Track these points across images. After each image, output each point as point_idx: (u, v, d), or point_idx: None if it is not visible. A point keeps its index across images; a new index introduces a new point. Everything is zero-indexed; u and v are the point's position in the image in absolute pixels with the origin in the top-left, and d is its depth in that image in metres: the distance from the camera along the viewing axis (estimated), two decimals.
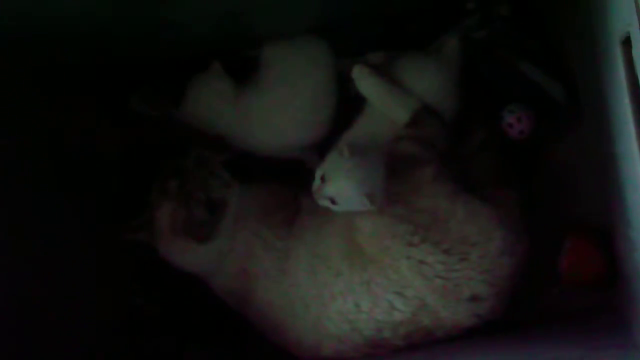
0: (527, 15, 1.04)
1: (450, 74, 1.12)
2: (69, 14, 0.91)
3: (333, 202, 1.01)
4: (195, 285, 1.15)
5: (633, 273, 0.93)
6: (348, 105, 1.16)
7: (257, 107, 1.16)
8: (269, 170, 1.21)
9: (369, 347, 1.05)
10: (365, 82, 1.11)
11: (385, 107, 1.10)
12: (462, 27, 1.12)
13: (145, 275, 1.19)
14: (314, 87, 1.15)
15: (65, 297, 1.03)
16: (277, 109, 1.15)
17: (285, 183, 1.17)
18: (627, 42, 0.72)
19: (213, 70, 1.18)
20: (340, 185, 1.00)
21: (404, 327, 1.03)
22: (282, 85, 1.15)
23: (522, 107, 1.11)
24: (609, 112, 0.88)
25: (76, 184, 1.12)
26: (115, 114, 1.22)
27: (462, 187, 1.05)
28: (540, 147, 1.16)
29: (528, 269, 1.06)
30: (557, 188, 1.16)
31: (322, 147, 1.15)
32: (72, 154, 1.12)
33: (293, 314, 1.08)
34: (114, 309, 1.16)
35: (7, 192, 0.96)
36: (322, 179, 1.01)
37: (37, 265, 0.99)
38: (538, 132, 1.13)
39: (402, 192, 1.05)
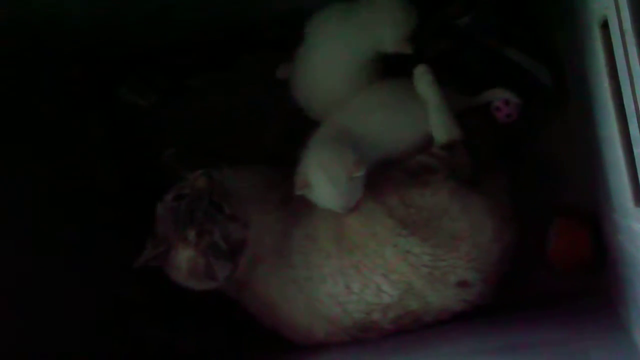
0: (510, 0, 1.04)
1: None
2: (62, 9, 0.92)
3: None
4: None
5: (617, 256, 0.93)
6: None
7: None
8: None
9: (359, 330, 1.06)
10: (424, 85, 1.09)
11: (431, 119, 1.10)
12: (445, 13, 1.12)
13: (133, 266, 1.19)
14: None
15: (54, 289, 1.03)
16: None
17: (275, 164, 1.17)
18: (605, 26, 0.72)
19: None
20: (322, 195, 1.02)
21: (392, 311, 1.04)
22: None
23: (508, 92, 1.11)
24: (591, 96, 0.89)
25: (67, 178, 1.12)
26: (105, 107, 1.23)
27: (461, 180, 1.06)
28: (527, 130, 1.16)
29: (516, 253, 1.07)
30: (544, 172, 1.16)
31: None
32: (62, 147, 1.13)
33: (286, 296, 1.08)
34: (104, 301, 1.16)
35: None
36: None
37: (23, 259, 1.00)
38: (525, 115, 1.13)
39: (403, 184, 1.06)
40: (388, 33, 1.07)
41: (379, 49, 1.09)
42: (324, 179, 1.00)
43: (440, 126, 1.08)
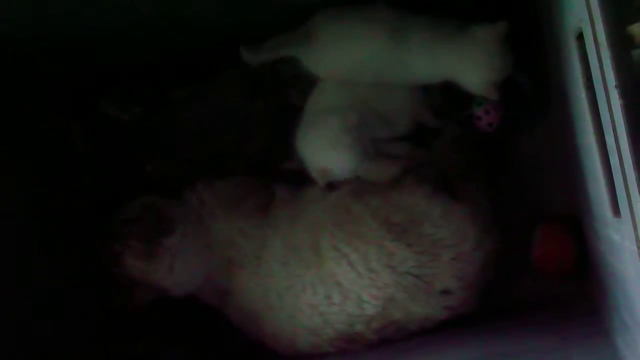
0: (489, 7, 1.04)
1: None
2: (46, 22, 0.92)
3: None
4: None
5: (598, 263, 0.94)
6: None
7: None
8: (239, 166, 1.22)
9: (343, 341, 1.06)
10: None
11: None
12: None
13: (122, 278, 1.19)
14: None
15: (42, 301, 1.03)
16: None
17: (257, 175, 1.18)
18: (580, 38, 0.73)
19: None
20: (335, 162, 1.04)
21: (376, 322, 1.04)
22: None
23: (490, 100, 1.11)
24: (570, 106, 0.89)
25: (58, 186, 1.13)
26: (88, 118, 1.23)
27: (439, 186, 1.07)
28: (508, 138, 1.16)
29: (500, 260, 1.07)
30: (528, 178, 1.17)
31: None
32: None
33: (268, 305, 1.09)
34: (92, 312, 1.16)
35: None
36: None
37: (12, 270, 0.99)
38: (506, 124, 1.13)
39: (383, 187, 1.08)
40: (480, 74, 1.02)
41: (454, 80, 1.04)
42: (326, 146, 1.02)
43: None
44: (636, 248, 0.64)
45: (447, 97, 1.13)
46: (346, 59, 1.08)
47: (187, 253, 1.11)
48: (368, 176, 1.11)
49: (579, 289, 1.11)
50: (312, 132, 1.06)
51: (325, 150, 1.03)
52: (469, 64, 1.01)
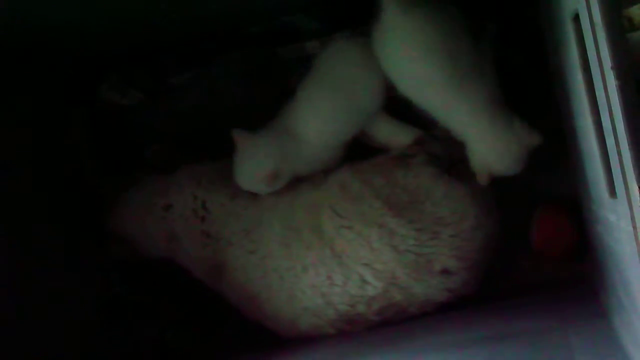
0: None
1: None
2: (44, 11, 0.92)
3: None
4: (174, 270, 1.17)
5: (597, 244, 0.94)
6: None
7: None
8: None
9: (344, 322, 1.08)
10: None
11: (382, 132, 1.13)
12: None
13: (123, 263, 1.20)
14: None
15: (43, 290, 1.04)
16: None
17: None
18: (577, 19, 0.73)
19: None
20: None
21: (377, 302, 1.05)
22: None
23: None
24: (568, 87, 0.89)
25: (49, 177, 1.13)
26: (88, 105, 1.23)
27: (444, 167, 1.07)
28: None
29: (500, 243, 1.08)
30: (527, 161, 1.16)
31: None
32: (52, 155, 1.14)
33: (268, 286, 1.09)
34: (94, 298, 1.17)
35: None
36: None
37: (16, 256, 1.00)
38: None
39: (385, 164, 1.08)
40: (490, 160, 1.03)
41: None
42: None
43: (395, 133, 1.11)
44: (632, 228, 0.64)
45: None
46: None
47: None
48: (377, 137, 1.12)
49: (577, 270, 1.12)
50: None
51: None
52: (488, 146, 1.02)
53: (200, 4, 1.05)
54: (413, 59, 0.99)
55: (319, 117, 1.09)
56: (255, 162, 1.09)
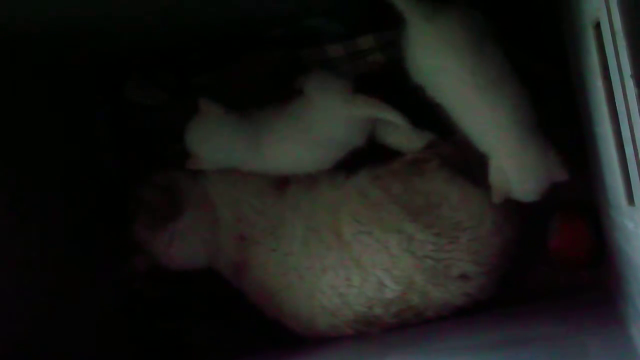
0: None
1: None
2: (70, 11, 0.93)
3: None
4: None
5: (615, 251, 0.94)
6: None
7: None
8: None
9: (361, 324, 1.08)
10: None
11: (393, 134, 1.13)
12: None
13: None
14: None
15: (66, 285, 1.06)
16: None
17: None
18: (598, 27, 0.73)
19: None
20: None
21: (395, 306, 1.06)
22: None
23: None
24: (588, 94, 0.90)
25: (71, 174, 1.15)
26: (110, 104, 1.24)
27: (458, 170, 1.08)
28: None
29: (518, 248, 1.08)
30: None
31: None
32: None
33: (288, 284, 1.10)
34: (115, 295, 1.19)
35: (9, 184, 0.99)
36: None
37: (36, 253, 1.02)
38: None
39: (403, 173, 1.08)
40: (514, 184, 1.01)
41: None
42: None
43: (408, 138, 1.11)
44: None
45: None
46: None
47: (188, 236, 1.14)
48: (389, 141, 1.12)
49: (595, 276, 1.12)
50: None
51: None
52: (514, 168, 1.00)
53: (226, 5, 1.06)
54: (441, 66, 0.99)
55: (284, 154, 1.10)
56: (204, 137, 1.09)
